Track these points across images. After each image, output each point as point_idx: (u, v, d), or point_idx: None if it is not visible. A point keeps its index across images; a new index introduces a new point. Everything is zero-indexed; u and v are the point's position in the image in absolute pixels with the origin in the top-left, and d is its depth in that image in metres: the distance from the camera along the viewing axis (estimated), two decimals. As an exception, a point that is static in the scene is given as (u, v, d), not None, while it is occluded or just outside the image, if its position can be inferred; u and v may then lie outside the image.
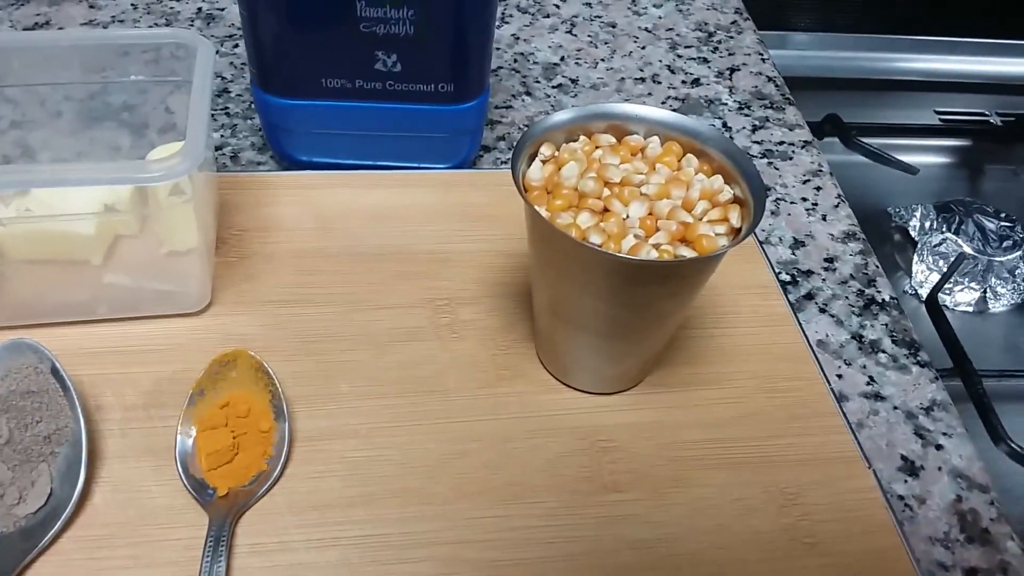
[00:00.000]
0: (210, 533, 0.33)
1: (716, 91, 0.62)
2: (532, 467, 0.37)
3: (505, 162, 0.55)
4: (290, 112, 0.49)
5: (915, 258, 0.64)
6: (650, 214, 0.35)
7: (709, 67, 0.65)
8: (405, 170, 0.52)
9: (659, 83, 0.63)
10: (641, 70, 0.64)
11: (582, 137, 0.38)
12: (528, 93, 0.61)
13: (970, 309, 0.62)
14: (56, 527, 0.33)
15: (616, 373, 0.39)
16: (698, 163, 0.37)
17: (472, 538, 0.35)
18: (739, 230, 0.34)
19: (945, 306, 0.60)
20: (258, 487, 0.35)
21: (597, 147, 0.38)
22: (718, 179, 0.36)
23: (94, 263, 0.42)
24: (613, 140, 0.38)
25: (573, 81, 0.62)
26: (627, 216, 0.35)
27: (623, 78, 0.63)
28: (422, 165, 0.52)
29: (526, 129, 0.37)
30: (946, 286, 0.61)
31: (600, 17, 0.69)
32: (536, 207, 0.34)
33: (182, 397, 0.37)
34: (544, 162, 0.37)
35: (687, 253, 0.33)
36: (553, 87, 0.61)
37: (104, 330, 0.41)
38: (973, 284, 0.62)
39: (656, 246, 0.33)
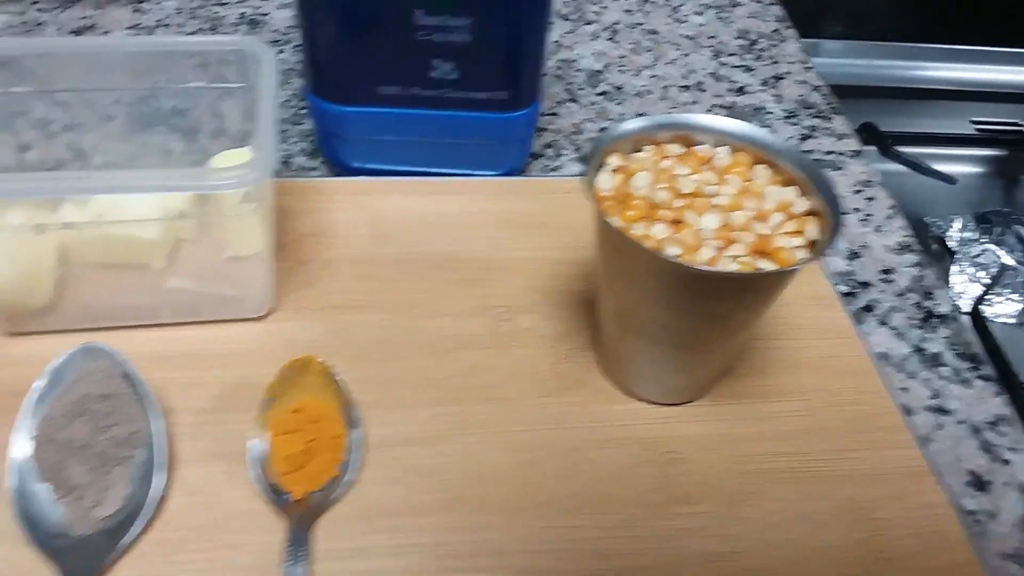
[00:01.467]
0: (290, 537, 0.33)
1: (762, 99, 0.62)
2: (600, 478, 0.37)
3: (554, 169, 0.55)
4: (344, 119, 0.49)
5: (954, 268, 0.64)
6: (724, 226, 0.35)
7: (753, 75, 0.65)
8: (456, 177, 0.52)
9: (704, 91, 0.63)
10: (685, 78, 0.64)
11: (649, 147, 0.38)
12: (573, 100, 0.61)
13: (1011, 321, 0.62)
14: (136, 529, 0.33)
15: (683, 384, 0.39)
16: (769, 174, 0.37)
17: (542, 548, 0.35)
18: (814, 242, 0.34)
19: (986, 318, 0.60)
20: (331, 492, 0.35)
21: (664, 157, 0.38)
22: (793, 190, 0.36)
23: (156, 267, 0.42)
24: (682, 150, 0.38)
25: (618, 88, 0.62)
26: (700, 227, 0.35)
27: (667, 86, 0.63)
28: (473, 172, 0.52)
29: (595, 139, 0.37)
30: (986, 297, 0.61)
31: (641, 24, 0.69)
32: (609, 218, 0.34)
33: (250, 402, 0.37)
34: (614, 172, 0.37)
35: (766, 266, 0.33)
36: (598, 94, 0.61)
37: (169, 335, 0.41)
38: (1015, 295, 0.62)
39: (735, 258, 0.33)
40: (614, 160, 0.37)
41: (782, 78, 0.65)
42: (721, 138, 0.38)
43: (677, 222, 0.35)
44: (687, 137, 0.39)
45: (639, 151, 0.38)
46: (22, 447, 0.34)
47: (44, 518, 0.33)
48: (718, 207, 0.35)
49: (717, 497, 0.36)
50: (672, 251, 0.33)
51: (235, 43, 0.42)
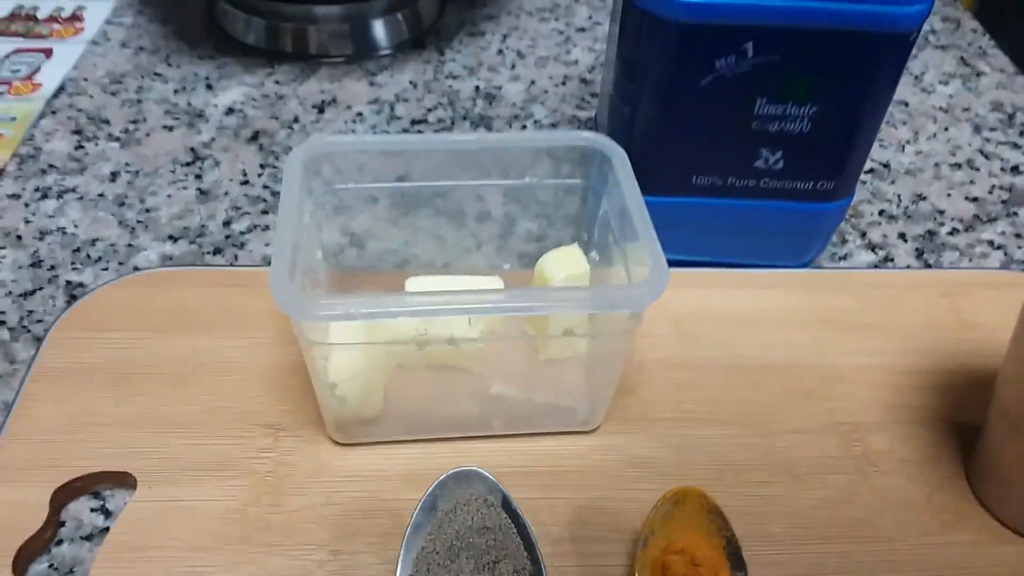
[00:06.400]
0: None
1: (1051, 181, 0.57)
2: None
3: (843, 258, 0.51)
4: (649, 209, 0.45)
5: None
6: None
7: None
8: (755, 269, 0.47)
9: (977, 169, 0.58)
10: (952, 154, 0.59)
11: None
12: (842, 180, 0.57)
13: None
14: None
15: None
16: None
17: None
18: None
19: None
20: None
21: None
22: None
23: (475, 371, 0.39)
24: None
25: (884, 166, 0.58)
26: None
27: (937, 163, 0.58)
28: (772, 264, 0.48)
29: None
30: None
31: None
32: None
33: (607, 529, 0.34)
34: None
35: None
36: (866, 172, 0.57)
37: (496, 446, 0.37)
38: None
39: None
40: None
41: (1063, 156, 0.59)
42: None
43: None
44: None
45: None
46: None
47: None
48: None
49: None
50: None
51: (590, 140, 0.39)
